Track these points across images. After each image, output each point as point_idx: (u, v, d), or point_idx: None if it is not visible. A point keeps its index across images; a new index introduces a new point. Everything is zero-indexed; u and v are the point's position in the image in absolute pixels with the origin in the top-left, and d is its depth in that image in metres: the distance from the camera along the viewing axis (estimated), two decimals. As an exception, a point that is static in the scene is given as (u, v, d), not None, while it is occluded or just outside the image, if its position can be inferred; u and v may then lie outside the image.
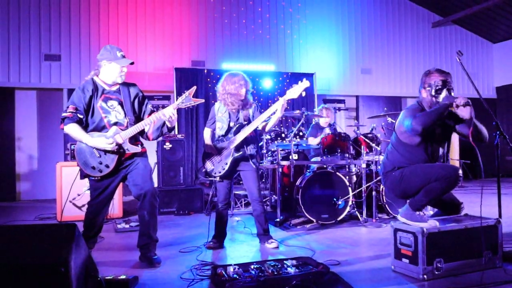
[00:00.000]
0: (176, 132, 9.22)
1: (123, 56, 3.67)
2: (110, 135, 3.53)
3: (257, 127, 4.34)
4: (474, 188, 9.73)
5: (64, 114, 3.54)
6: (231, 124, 4.35)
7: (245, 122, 4.32)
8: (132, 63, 3.68)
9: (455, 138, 13.47)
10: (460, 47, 12.63)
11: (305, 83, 4.19)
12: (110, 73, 3.64)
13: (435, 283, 3.01)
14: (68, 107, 3.56)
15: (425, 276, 3.06)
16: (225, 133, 4.34)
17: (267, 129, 4.40)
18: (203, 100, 3.89)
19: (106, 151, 3.55)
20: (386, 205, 5.73)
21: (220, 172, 4.29)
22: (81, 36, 9.24)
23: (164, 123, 3.69)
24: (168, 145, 6.90)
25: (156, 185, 7.23)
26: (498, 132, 3.78)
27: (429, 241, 3.08)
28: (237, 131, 4.27)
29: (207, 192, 7.04)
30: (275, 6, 10.81)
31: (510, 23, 12.16)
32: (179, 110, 9.96)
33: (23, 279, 2.18)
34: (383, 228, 5.24)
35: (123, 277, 2.91)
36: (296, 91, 4.20)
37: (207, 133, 4.52)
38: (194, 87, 3.75)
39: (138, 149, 3.68)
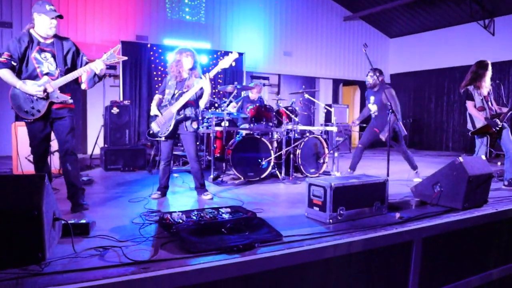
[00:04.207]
0: (121, 99, 8.97)
1: (53, 10, 3.52)
2: (41, 84, 3.45)
3: (199, 98, 4.42)
4: (368, 154, 10.38)
5: None
6: (176, 91, 4.37)
7: (186, 90, 4.33)
8: (60, 17, 3.54)
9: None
10: (364, 39, 13.18)
11: (234, 55, 4.39)
12: (41, 25, 3.50)
13: (338, 226, 3.22)
14: (3, 53, 3.43)
15: (330, 220, 3.29)
16: (170, 99, 4.36)
17: (202, 105, 4.48)
18: (125, 58, 3.85)
19: (38, 98, 3.48)
20: (301, 166, 6.02)
21: (164, 133, 4.32)
22: (32, 4, 8.52)
23: (95, 74, 3.62)
24: (115, 110, 6.74)
25: (103, 144, 7.11)
26: (390, 111, 4.15)
27: (335, 194, 3.30)
28: (178, 97, 4.31)
29: (149, 152, 6.98)
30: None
31: (404, 22, 12.83)
32: (124, 79, 9.61)
33: (0, 222, 2.16)
34: (298, 184, 5.49)
35: (83, 221, 2.91)
36: (227, 61, 4.39)
37: (156, 99, 4.50)
38: (119, 45, 3.79)
39: (67, 97, 3.60)
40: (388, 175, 4.09)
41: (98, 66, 3.56)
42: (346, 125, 10.77)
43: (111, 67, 9.20)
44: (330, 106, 10.62)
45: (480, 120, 5.02)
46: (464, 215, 3.63)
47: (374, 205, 3.60)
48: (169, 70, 4.43)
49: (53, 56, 3.57)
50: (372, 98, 5.71)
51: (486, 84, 5.11)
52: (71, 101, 3.68)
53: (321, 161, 6.24)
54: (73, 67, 3.69)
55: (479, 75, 5.10)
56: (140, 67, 9.32)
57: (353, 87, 14.51)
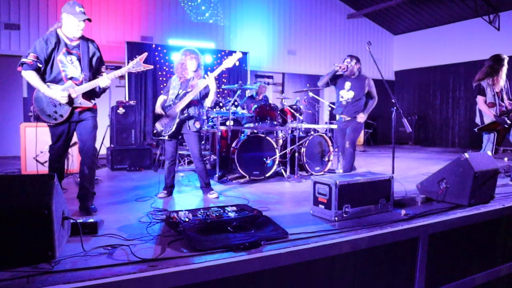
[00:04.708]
0: (127, 99, 9.02)
1: (82, 13, 3.49)
2: (65, 89, 3.43)
3: (202, 98, 4.44)
4: (373, 152, 10.39)
5: (24, 60, 3.37)
6: (180, 91, 4.39)
7: (190, 90, 4.35)
8: (89, 20, 3.51)
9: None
10: (368, 37, 13.16)
11: (238, 54, 4.38)
12: (69, 26, 3.47)
13: (344, 223, 3.23)
14: (29, 54, 3.38)
15: (336, 218, 3.29)
16: (174, 99, 4.38)
17: (208, 103, 4.48)
18: (151, 67, 3.86)
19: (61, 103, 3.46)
20: (306, 165, 6.04)
21: (167, 132, 4.35)
22: (40, 7, 8.61)
23: (99, 87, 3.63)
24: (121, 110, 6.78)
25: (109, 144, 7.15)
26: (394, 108, 4.14)
27: (340, 191, 3.31)
28: (182, 97, 4.33)
29: (155, 151, 7.02)
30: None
31: (408, 19, 12.79)
32: (130, 80, 9.68)
33: (12, 221, 2.19)
34: (303, 183, 5.50)
35: (91, 220, 2.94)
36: (231, 61, 4.37)
37: (160, 99, 4.53)
38: (145, 54, 3.70)
39: (90, 104, 3.59)
40: (393, 172, 4.09)
41: (103, 82, 3.55)
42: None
43: (116, 67, 9.23)
44: (334, 104, 10.61)
45: (489, 116, 4.99)
46: (471, 211, 3.63)
47: (380, 202, 3.60)
48: (175, 71, 4.46)
49: (79, 60, 3.54)
50: (348, 84, 5.22)
51: (501, 80, 5.06)
52: (94, 102, 3.66)
53: (326, 159, 6.24)
54: (97, 72, 3.67)
55: (495, 70, 5.05)
56: (145, 67, 9.36)
57: (357, 84, 14.48)
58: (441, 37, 12.51)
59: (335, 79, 5.33)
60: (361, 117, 5.19)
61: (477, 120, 5.16)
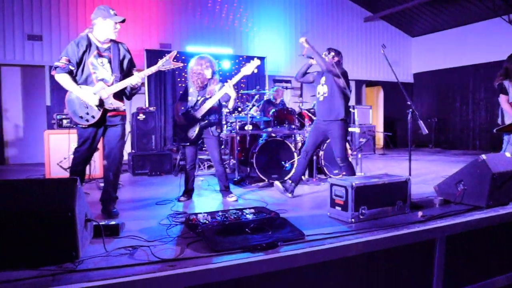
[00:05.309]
0: (147, 105, 9.19)
1: (116, 14, 3.58)
2: (96, 90, 3.50)
3: (222, 103, 4.52)
4: (393, 155, 10.31)
5: (57, 63, 3.46)
6: (199, 98, 4.47)
7: (208, 96, 4.43)
8: (123, 21, 3.59)
9: (381, 115, 14.02)
10: (386, 39, 13.08)
11: (256, 62, 4.40)
12: (104, 29, 3.54)
13: (360, 225, 3.24)
14: (61, 57, 3.47)
15: (352, 220, 3.30)
16: (193, 105, 4.45)
17: (230, 107, 4.57)
18: (181, 64, 3.90)
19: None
20: (324, 168, 6.05)
21: (190, 138, 4.43)
22: (61, 18, 8.88)
23: (131, 87, 3.70)
24: (141, 116, 6.92)
25: (130, 150, 7.30)
26: (410, 110, 4.13)
27: (357, 193, 3.32)
28: (202, 104, 4.40)
29: (175, 156, 7.14)
30: (233, -2, 10.79)
31: (425, 21, 12.67)
32: (150, 86, 9.82)
33: (38, 222, 2.29)
34: (321, 186, 5.51)
35: (113, 222, 3.03)
36: (249, 68, 4.41)
37: (178, 107, 4.60)
38: (175, 52, 3.74)
39: (120, 104, 3.66)
40: (410, 174, 4.07)
41: (134, 80, 3.61)
42: (370, 126, 10.71)
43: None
44: (353, 107, 10.59)
45: (510, 116, 4.92)
46: (489, 213, 3.58)
47: (397, 204, 3.59)
48: (189, 78, 4.53)
49: (109, 62, 3.61)
50: (323, 79, 4.77)
51: None
52: (124, 107, 3.74)
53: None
54: (128, 74, 3.73)
55: (510, 71, 4.99)
56: (165, 74, 9.53)
57: (376, 87, 14.40)
58: (459, 38, 12.34)
59: (318, 77, 4.85)
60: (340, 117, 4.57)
61: (499, 120, 5.09)
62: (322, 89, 4.78)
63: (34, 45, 8.68)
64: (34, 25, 8.69)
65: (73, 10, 9.01)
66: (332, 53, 4.74)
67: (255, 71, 4.56)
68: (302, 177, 5.80)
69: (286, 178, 5.70)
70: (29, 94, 8.86)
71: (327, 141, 6.01)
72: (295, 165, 5.80)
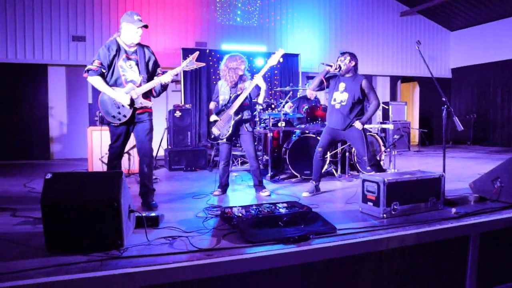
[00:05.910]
0: (183, 103, 9.44)
1: (140, 20, 3.75)
2: (126, 91, 3.70)
3: (253, 99, 4.62)
4: (429, 152, 10.13)
5: (89, 66, 3.68)
6: (232, 95, 4.57)
7: (240, 92, 4.53)
8: (146, 26, 3.77)
9: (416, 112, 13.74)
10: (423, 34, 12.79)
11: (280, 52, 4.50)
12: (128, 33, 3.73)
13: (392, 220, 3.27)
14: (94, 61, 3.69)
15: (384, 215, 3.35)
16: (226, 103, 4.57)
17: (260, 100, 4.64)
18: (203, 64, 4.05)
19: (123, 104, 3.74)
20: (357, 164, 6.07)
21: (225, 135, 4.54)
22: (103, 20, 9.24)
23: (161, 84, 3.86)
24: (178, 113, 7.14)
25: (167, 146, 7.54)
26: (445, 106, 4.09)
27: (389, 189, 3.35)
28: (234, 100, 4.50)
29: (210, 152, 7.31)
30: (267, -4, 10.87)
31: (465, 14, 12.30)
32: (185, 84, 10.03)
33: (87, 211, 2.49)
34: (353, 182, 5.52)
35: (153, 214, 3.21)
36: (274, 59, 4.49)
37: (212, 106, 4.75)
38: (197, 52, 3.92)
39: (149, 103, 3.86)
40: (444, 171, 4.05)
41: (165, 78, 3.81)
42: (405, 122, 10.56)
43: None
44: (387, 104, 10.47)
45: None
46: (526, 210, 3.53)
47: (430, 200, 3.60)
48: (222, 76, 4.66)
49: (137, 64, 3.82)
50: (342, 85, 4.59)
51: None
52: (151, 104, 3.95)
53: (378, 158, 6.21)
54: (153, 74, 3.93)
55: None
56: (200, 72, 9.74)
57: (412, 83, 14.11)
58: (500, 31, 11.91)
59: (328, 80, 4.72)
60: (358, 125, 4.47)
61: None
62: (340, 96, 4.59)
63: (78, 46, 9.08)
64: (78, 27, 9.09)
65: (114, 11, 9.35)
66: (348, 57, 4.57)
67: (281, 60, 4.59)
68: (334, 173, 5.86)
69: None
70: (72, 92, 9.30)
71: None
72: (326, 162, 5.85)
